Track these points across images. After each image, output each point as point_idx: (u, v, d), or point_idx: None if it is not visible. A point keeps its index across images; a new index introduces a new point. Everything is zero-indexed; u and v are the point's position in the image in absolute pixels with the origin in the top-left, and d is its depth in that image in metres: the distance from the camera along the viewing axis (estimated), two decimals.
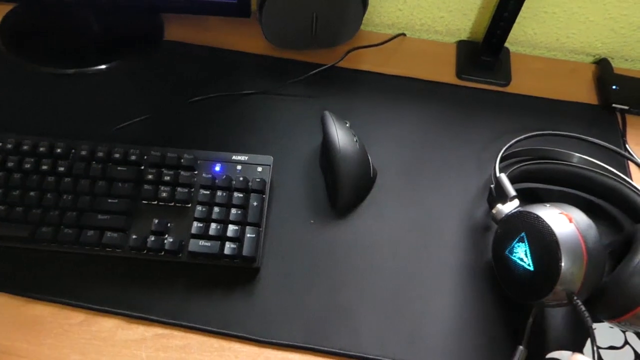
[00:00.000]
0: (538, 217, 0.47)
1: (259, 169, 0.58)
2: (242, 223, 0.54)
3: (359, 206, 0.59)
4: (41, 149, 0.57)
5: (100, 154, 0.57)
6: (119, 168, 0.56)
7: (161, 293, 0.52)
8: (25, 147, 0.57)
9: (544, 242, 0.46)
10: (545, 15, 0.72)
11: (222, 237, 0.53)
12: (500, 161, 0.57)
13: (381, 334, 0.51)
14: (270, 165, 0.58)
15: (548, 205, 0.49)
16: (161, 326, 0.51)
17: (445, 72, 0.72)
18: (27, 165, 0.56)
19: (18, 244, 0.53)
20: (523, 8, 0.65)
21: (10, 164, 0.56)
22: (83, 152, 0.57)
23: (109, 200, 0.54)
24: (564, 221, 0.46)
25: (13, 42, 0.71)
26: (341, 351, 0.50)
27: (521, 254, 0.48)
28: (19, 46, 0.71)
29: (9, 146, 0.57)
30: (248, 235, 0.53)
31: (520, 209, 0.51)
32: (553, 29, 0.73)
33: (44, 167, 0.56)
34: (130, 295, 0.52)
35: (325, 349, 0.50)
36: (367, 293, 0.53)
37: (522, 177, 0.60)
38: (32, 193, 0.54)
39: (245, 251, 0.52)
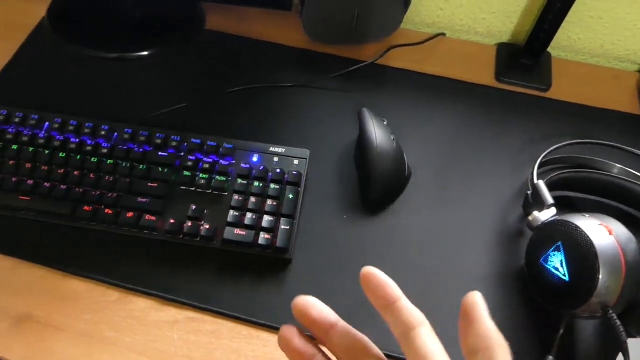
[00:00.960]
0: (577, 227, 0.47)
1: (296, 161, 0.58)
2: (276, 214, 0.54)
3: (392, 204, 0.59)
4: (86, 130, 0.58)
5: (142, 138, 0.58)
6: (159, 153, 0.57)
7: (193, 277, 0.53)
8: (70, 128, 0.58)
9: (582, 253, 0.45)
10: (591, 21, 0.70)
11: (256, 227, 0.54)
12: (538, 167, 0.57)
13: None
14: (306, 159, 0.58)
15: (587, 215, 0.48)
16: (193, 310, 0.52)
17: (484, 74, 0.72)
18: (72, 146, 0.57)
19: (59, 220, 0.55)
20: (569, 13, 0.64)
21: (55, 143, 0.57)
22: (125, 136, 0.58)
23: (148, 184, 0.56)
24: (604, 233, 0.46)
25: (60, 25, 0.73)
26: None
27: (557, 263, 0.48)
28: (66, 29, 0.72)
29: (55, 126, 0.58)
30: (282, 226, 0.54)
31: (557, 217, 0.50)
32: (598, 34, 0.72)
33: (88, 148, 0.57)
34: (163, 277, 0.53)
35: None
36: None
37: (559, 185, 0.59)
38: (74, 172, 0.56)
39: (279, 242, 0.53)
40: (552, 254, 0.49)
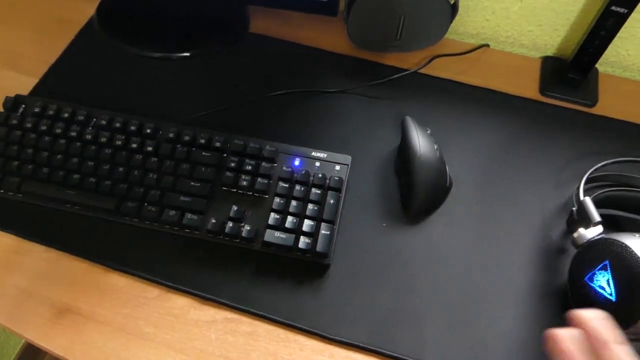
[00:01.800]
0: (626, 246, 0.46)
1: (337, 167, 0.58)
2: (317, 219, 0.55)
3: (433, 214, 0.59)
4: (131, 127, 0.59)
5: (187, 138, 0.59)
6: (203, 153, 0.58)
7: (232, 278, 0.54)
8: (117, 125, 0.60)
9: (631, 273, 0.44)
10: None
11: (297, 231, 0.54)
12: (584, 184, 0.56)
13: (444, 345, 0.51)
14: (348, 165, 0.58)
15: (637, 235, 0.47)
16: (231, 310, 0.52)
17: (528, 87, 0.71)
18: (118, 142, 0.58)
19: (104, 215, 0.56)
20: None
21: (102, 139, 0.58)
22: (170, 135, 0.59)
23: (192, 183, 0.56)
24: None
25: (108, 23, 0.74)
26: (404, 357, 0.50)
27: (603, 282, 0.47)
28: (113, 27, 0.74)
29: (103, 122, 0.60)
30: (323, 231, 0.54)
31: (604, 235, 0.49)
32: None
33: (133, 145, 0.58)
34: (203, 276, 0.54)
35: (389, 352, 0.50)
36: (434, 302, 0.53)
37: (604, 203, 0.58)
38: (120, 168, 0.57)
39: (319, 247, 0.53)
40: (598, 272, 0.48)
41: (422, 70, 0.70)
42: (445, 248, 0.57)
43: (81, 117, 0.60)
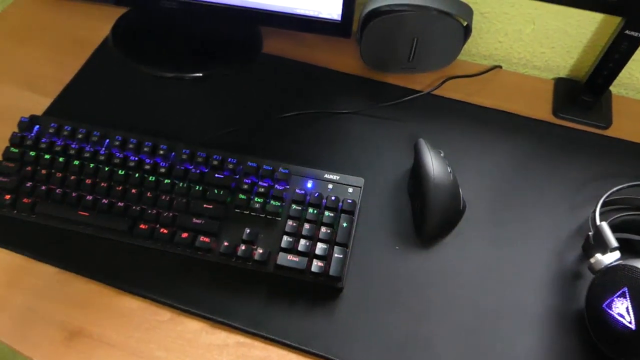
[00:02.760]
0: None
1: (350, 189, 0.58)
2: (330, 242, 0.54)
3: (446, 237, 0.58)
4: (145, 148, 0.60)
5: (199, 159, 0.59)
6: (216, 175, 0.58)
7: (244, 301, 0.53)
8: (130, 146, 0.60)
9: None
10: None
11: (309, 254, 0.53)
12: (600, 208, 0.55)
13: None
14: (361, 187, 0.58)
15: None
16: (243, 334, 0.52)
17: (541, 109, 0.70)
18: (131, 163, 0.58)
19: (116, 237, 0.56)
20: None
21: (115, 161, 0.59)
22: (183, 156, 0.59)
23: (204, 205, 0.56)
24: None
25: (122, 42, 0.75)
26: None
27: (622, 309, 0.46)
28: (127, 47, 0.75)
29: (116, 143, 0.60)
30: (335, 255, 0.53)
31: (623, 262, 0.48)
32: None
33: (146, 167, 0.58)
34: (215, 300, 0.53)
35: None
36: (447, 326, 0.52)
37: (621, 227, 0.57)
38: (133, 190, 0.57)
39: (332, 271, 0.52)
40: (616, 299, 0.47)
41: (435, 92, 0.70)
42: (459, 272, 0.56)
43: (95, 138, 0.60)
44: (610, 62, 0.64)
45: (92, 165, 0.58)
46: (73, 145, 0.60)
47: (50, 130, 0.61)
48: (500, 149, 0.66)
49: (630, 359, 0.46)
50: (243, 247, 0.54)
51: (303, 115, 0.68)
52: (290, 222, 0.55)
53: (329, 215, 0.55)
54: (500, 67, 0.75)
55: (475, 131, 0.67)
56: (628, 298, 0.46)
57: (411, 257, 0.57)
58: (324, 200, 0.57)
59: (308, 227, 0.55)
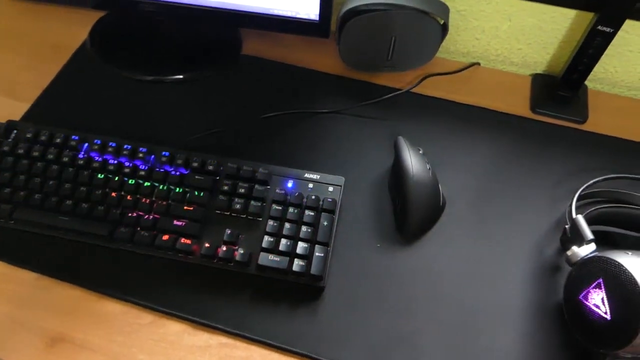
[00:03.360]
0: (620, 265, 0.46)
1: (330, 188, 0.58)
2: (311, 241, 0.54)
3: (427, 234, 0.59)
4: (124, 152, 0.59)
5: (179, 161, 0.59)
6: (196, 176, 0.58)
7: (227, 302, 0.53)
8: (109, 149, 0.60)
9: (626, 292, 0.44)
10: (629, 54, 0.70)
11: (291, 254, 0.54)
12: (576, 201, 0.56)
13: None
14: (341, 186, 0.59)
15: (630, 253, 0.47)
16: (225, 335, 0.52)
17: (518, 104, 0.71)
18: (111, 167, 0.58)
19: (97, 241, 0.56)
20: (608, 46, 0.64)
21: (95, 165, 0.58)
22: (163, 158, 0.59)
23: (185, 207, 0.56)
24: None
25: (100, 46, 0.75)
26: None
27: (597, 300, 0.47)
28: (105, 51, 0.74)
29: (95, 147, 0.60)
30: (317, 254, 0.54)
31: (598, 254, 0.49)
32: (637, 68, 0.71)
33: (126, 170, 0.58)
34: (197, 301, 0.53)
35: None
36: (430, 322, 0.53)
37: (598, 220, 0.58)
38: (113, 194, 0.57)
39: (314, 270, 0.53)
40: (592, 290, 0.48)
41: (414, 90, 0.71)
42: (440, 267, 0.56)
43: (73, 142, 0.60)
44: (584, 57, 0.65)
45: (71, 169, 0.58)
46: (51, 150, 0.59)
47: (28, 135, 0.61)
48: (479, 145, 0.67)
49: (607, 349, 0.46)
50: (224, 248, 0.54)
51: (284, 115, 0.68)
52: (271, 222, 0.55)
53: (309, 214, 0.56)
54: (479, 64, 0.75)
55: (454, 128, 0.68)
56: (603, 289, 0.47)
57: (393, 254, 0.57)
58: (305, 200, 0.57)
59: (289, 227, 0.55)
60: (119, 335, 0.52)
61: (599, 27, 0.61)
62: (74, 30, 0.77)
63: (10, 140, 0.61)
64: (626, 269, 0.45)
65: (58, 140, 0.60)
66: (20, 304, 0.53)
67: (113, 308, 0.53)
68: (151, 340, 0.51)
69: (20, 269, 0.55)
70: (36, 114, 0.68)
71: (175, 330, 0.52)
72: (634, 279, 0.44)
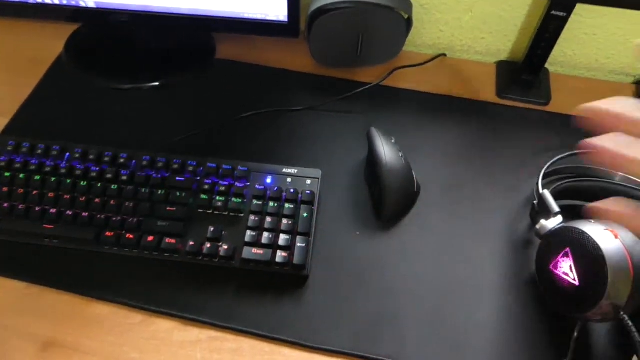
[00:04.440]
0: (583, 232, 0.48)
1: (308, 181, 0.60)
2: (292, 233, 0.56)
3: (403, 219, 0.61)
4: (105, 158, 0.61)
5: (160, 164, 0.60)
6: (177, 178, 0.59)
7: (214, 297, 0.55)
8: (91, 157, 0.61)
9: (590, 257, 0.47)
10: (585, 37, 0.73)
11: (273, 246, 0.55)
12: (543, 178, 0.59)
13: (425, 343, 0.53)
14: (319, 179, 0.61)
15: (593, 221, 0.50)
16: (215, 329, 0.53)
17: (485, 91, 0.74)
18: (93, 174, 0.59)
19: (83, 246, 0.57)
20: (563, 30, 0.67)
21: (77, 173, 0.59)
22: (144, 163, 0.60)
23: (168, 208, 0.58)
24: (610, 237, 0.47)
25: (76, 58, 0.76)
26: (387, 358, 0.51)
27: (566, 268, 0.50)
28: (82, 62, 0.76)
29: (76, 156, 0.61)
30: (298, 244, 0.55)
31: (564, 224, 0.52)
32: (593, 50, 0.75)
33: (108, 176, 0.59)
34: (185, 298, 0.55)
35: (372, 356, 0.52)
36: (411, 302, 0.55)
37: (564, 194, 0.61)
38: (96, 199, 0.58)
39: (296, 260, 0.54)
40: (561, 259, 0.50)
41: (384, 83, 0.73)
42: (418, 250, 0.59)
43: (55, 152, 0.61)
44: (542, 41, 0.68)
45: (53, 179, 0.59)
46: (33, 161, 0.60)
47: (9, 149, 0.62)
48: (449, 132, 0.69)
49: (578, 313, 0.49)
50: (208, 245, 0.55)
51: (260, 114, 0.70)
52: (252, 217, 0.57)
53: (289, 207, 0.58)
54: (445, 55, 0.78)
55: (424, 117, 0.71)
56: (570, 257, 0.49)
57: (372, 240, 0.59)
58: (284, 194, 0.59)
59: (270, 220, 0.57)
60: (110, 336, 0.53)
61: (553, 12, 0.64)
62: (50, 43, 0.78)
63: None
64: (589, 236, 0.48)
65: (39, 151, 0.61)
66: (10, 312, 0.54)
67: (103, 310, 0.55)
68: (142, 339, 0.53)
69: (8, 279, 0.56)
70: (16, 127, 0.68)
71: (165, 328, 0.53)
72: (597, 244, 0.47)
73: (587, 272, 0.47)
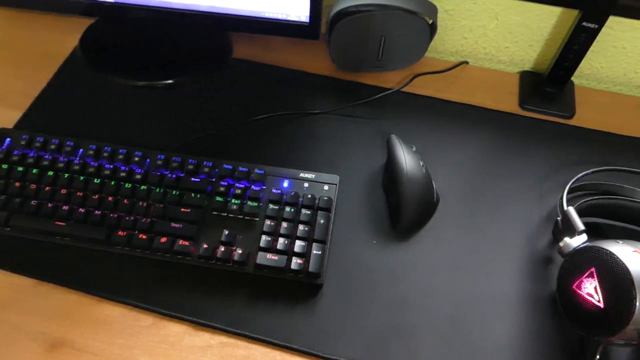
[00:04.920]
0: (611, 253, 0.47)
1: (325, 187, 0.59)
2: (308, 239, 0.55)
3: (421, 230, 0.60)
4: (119, 156, 0.60)
5: (175, 164, 0.59)
6: (192, 179, 0.58)
7: (226, 302, 0.54)
8: (104, 154, 0.60)
9: (617, 280, 0.45)
10: (614, 50, 0.71)
11: (288, 252, 0.54)
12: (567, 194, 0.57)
13: (439, 358, 0.51)
14: (336, 185, 0.59)
15: (620, 242, 0.48)
16: (226, 335, 0.52)
17: (507, 102, 0.73)
18: (106, 172, 0.58)
19: (94, 245, 0.56)
20: (593, 42, 0.65)
21: (90, 170, 0.58)
22: (158, 162, 0.59)
23: (182, 210, 0.56)
24: (638, 259, 0.46)
25: (91, 53, 0.75)
26: None
27: (590, 289, 0.48)
28: (97, 58, 0.74)
29: (90, 152, 0.60)
30: (314, 251, 0.54)
31: (589, 243, 0.50)
32: (621, 64, 0.73)
33: (121, 174, 0.58)
34: (197, 302, 0.54)
35: None
36: (426, 315, 0.54)
37: (588, 212, 0.59)
38: (109, 198, 0.57)
39: (311, 267, 0.53)
40: (585, 280, 0.49)
41: (405, 89, 0.72)
42: (435, 262, 0.57)
43: (68, 148, 0.60)
44: (570, 53, 0.67)
45: (66, 175, 0.58)
46: (46, 157, 0.60)
47: (22, 143, 0.61)
48: (470, 142, 0.68)
49: (600, 336, 0.47)
50: (222, 249, 0.54)
51: (276, 117, 0.69)
52: (268, 222, 0.56)
53: (305, 213, 0.56)
54: (467, 62, 0.77)
55: (445, 125, 0.69)
56: (596, 278, 0.48)
57: (388, 250, 0.58)
58: (301, 199, 0.57)
59: (286, 226, 0.55)
60: (119, 338, 0.52)
61: (584, 24, 0.63)
62: (64, 37, 0.77)
63: (4, 148, 0.61)
64: (618, 258, 0.46)
65: (52, 147, 0.60)
66: (19, 310, 0.53)
67: (112, 311, 0.53)
68: (152, 342, 0.52)
69: (18, 276, 0.55)
70: (29, 121, 0.67)
71: (175, 332, 0.52)
72: (626, 266, 0.45)
73: (614, 294, 0.46)
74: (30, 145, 0.61)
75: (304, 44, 0.77)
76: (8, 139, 0.62)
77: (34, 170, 0.58)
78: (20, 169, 0.59)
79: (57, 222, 0.56)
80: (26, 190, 0.57)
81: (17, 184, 0.58)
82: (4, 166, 0.59)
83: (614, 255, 0.46)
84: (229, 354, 0.51)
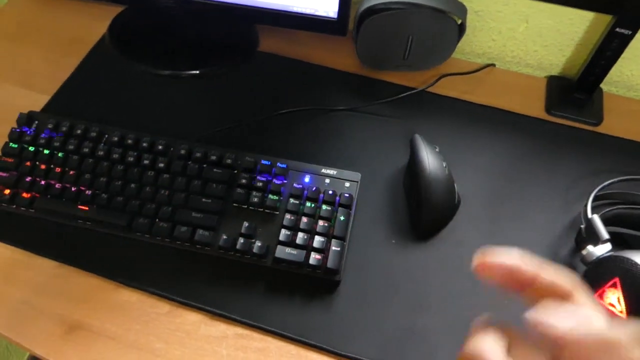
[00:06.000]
0: (636, 264, 0.46)
1: (347, 184, 0.59)
2: (327, 235, 0.55)
3: (441, 231, 0.59)
4: (144, 144, 0.60)
5: (198, 155, 0.59)
6: (214, 170, 0.58)
7: (243, 294, 0.54)
8: (129, 141, 0.60)
9: None
10: None
11: (308, 247, 0.54)
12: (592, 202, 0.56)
13: None
14: (358, 182, 0.59)
15: None
16: (241, 326, 0.52)
17: (534, 106, 0.72)
18: (130, 159, 0.59)
19: (116, 231, 0.56)
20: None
21: (115, 156, 0.59)
22: (182, 151, 0.60)
23: (203, 200, 0.57)
24: None
25: (118, 41, 0.76)
26: None
27: (613, 299, 0.47)
28: (124, 45, 0.75)
29: (115, 139, 0.60)
30: (333, 248, 0.54)
31: (614, 253, 0.50)
32: None
33: (145, 162, 0.59)
34: (214, 292, 0.54)
35: None
36: (444, 318, 0.53)
37: (612, 221, 0.58)
38: (132, 185, 0.57)
39: (330, 263, 0.53)
40: (608, 290, 0.48)
41: (430, 89, 0.71)
42: (454, 265, 0.57)
43: (94, 134, 0.61)
44: (601, 59, 0.65)
45: (91, 160, 0.59)
46: (72, 141, 0.60)
47: (49, 126, 0.61)
48: (494, 146, 0.67)
49: None
50: (242, 241, 0.54)
51: (300, 112, 0.69)
52: (288, 216, 0.56)
53: (326, 209, 0.56)
54: (494, 65, 0.76)
55: (469, 128, 0.68)
56: (619, 288, 0.47)
57: (407, 250, 0.58)
58: (322, 195, 0.57)
59: (306, 221, 0.55)
60: (136, 323, 0.52)
61: (617, 30, 0.61)
62: (93, 24, 0.78)
63: (31, 130, 0.62)
64: None
65: (78, 132, 0.61)
66: (39, 292, 0.54)
67: (130, 297, 0.54)
68: (168, 330, 0.52)
69: (39, 257, 0.56)
70: (55, 106, 0.68)
71: (192, 320, 0.53)
72: None
73: (637, 306, 0.45)
74: (56, 129, 0.62)
75: (330, 40, 0.76)
76: (36, 122, 0.63)
77: (60, 154, 0.59)
78: (46, 151, 0.59)
79: (80, 206, 0.56)
80: (51, 173, 0.58)
81: (43, 166, 0.58)
82: (31, 148, 0.60)
83: (639, 265, 0.46)
84: (244, 346, 0.51)
